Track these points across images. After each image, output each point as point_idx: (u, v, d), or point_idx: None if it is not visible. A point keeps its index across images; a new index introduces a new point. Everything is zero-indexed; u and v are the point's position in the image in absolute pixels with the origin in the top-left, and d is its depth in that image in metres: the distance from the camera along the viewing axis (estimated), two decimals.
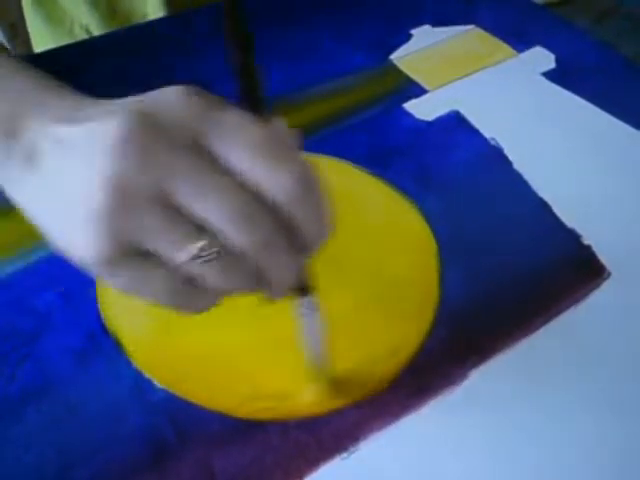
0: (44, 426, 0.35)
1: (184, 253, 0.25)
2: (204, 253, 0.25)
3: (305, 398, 0.36)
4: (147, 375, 0.37)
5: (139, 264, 0.26)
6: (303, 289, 0.31)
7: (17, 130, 0.28)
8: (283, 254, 0.27)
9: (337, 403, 0.36)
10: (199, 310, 0.28)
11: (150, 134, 0.25)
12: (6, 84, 0.30)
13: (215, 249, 0.26)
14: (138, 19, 0.66)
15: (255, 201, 0.25)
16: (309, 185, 0.26)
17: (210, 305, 0.28)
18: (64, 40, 0.66)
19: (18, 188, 0.28)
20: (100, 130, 0.25)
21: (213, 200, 0.25)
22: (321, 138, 0.51)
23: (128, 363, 0.37)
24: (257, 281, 0.28)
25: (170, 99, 0.26)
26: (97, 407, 0.36)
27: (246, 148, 0.25)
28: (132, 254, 0.26)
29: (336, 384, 0.36)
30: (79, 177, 0.25)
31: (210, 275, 0.26)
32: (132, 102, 0.26)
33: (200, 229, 0.25)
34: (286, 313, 0.39)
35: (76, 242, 0.25)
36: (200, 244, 0.25)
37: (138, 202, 0.24)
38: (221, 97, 0.27)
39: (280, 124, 0.27)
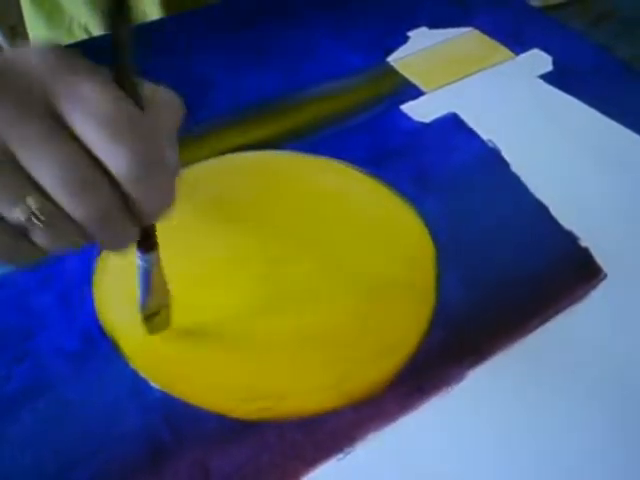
0: (40, 426, 0.35)
1: (16, 211, 0.25)
2: (37, 214, 0.26)
3: None
4: (144, 375, 0.37)
5: None
6: (143, 245, 0.32)
7: None
8: (117, 227, 0.27)
9: (334, 403, 0.36)
10: (22, 264, 0.28)
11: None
12: None
13: (47, 212, 0.26)
14: (137, 19, 0.66)
15: (94, 173, 0.25)
16: (149, 166, 0.26)
17: (34, 259, 0.28)
18: (63, 40, 0.66)
19: None
20: None
21: (49, 166, 0.25)
22: (318, 139, 0.51)
23: (125, 363, 0.37)
24: (88, 242, 0.28)
25: (26, 55, 0.26)
26: (94, 407, 0.36)
27: (93, 119, 0.25)
28: None
29: (332, 384, 0.36)
30: None
31: (40, 235, 0.26)
32: None
33: (38, 190, 0.25)
34: (282, 315, 0.39)
35: None
36: (34, 205, 0.25)
37: None
38: (89, 63, 0.26)
39: (161, 95, 0.28)
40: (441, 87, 0.55)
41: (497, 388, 0.37)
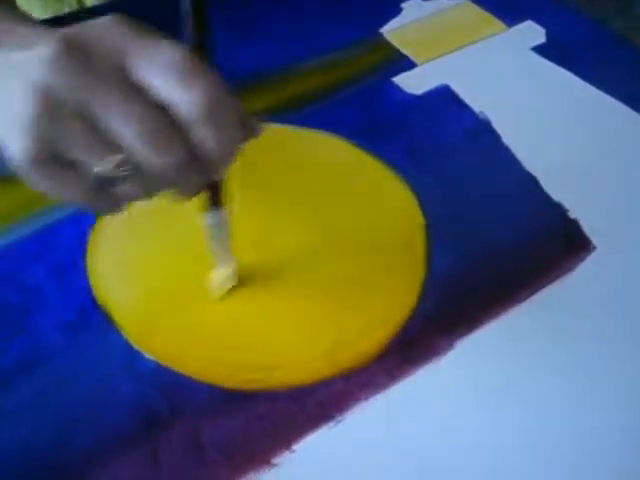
0: (36, 399, 0.36)
1: (101, 165, 0.28)
2: (120, 167, 0.28)
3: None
4: (137, 347, 0.37)
5: (60, 169, 0.28)
6: (213, 201, 0.34)
7: None
8: (193, 174, 0.29)
9: (325, 373, 0.36)
10: (111, 211, 0.31)
11: (77, 56, 0.27)
12: None
13: (130, 165, 0.28)
14: None
15: (168, 124, 0.28)
16: (219, 105, 0.28)
17: (119, 208, 0.31)
18: (56, 10, 0.65)
19: None
20: (36, 51, 0.28)
21: (129, 121, 0.27)
22: (311, 112, 0.51)
23: (119, 336, 0.38)
24: (168, 188, 0.31)
25: (99, 26, 0.29)
26: (88, 379, 0.36)
27: (161, 67, 0.27)
28: (55, 159, 0.28)
29: (323, 355, 0.37)
30: (15, 87, 0.28)
31: (124, 186, 0.29)
32: (63, 29, 0.29)
33: (119, 145, 0.28)
34: (273, 286, 0.40)
35: (10, 142, 0.28)
36: (116, 159, 0.28)
37: (61, 114, 0.27)
38: (149, 27, 0.29)
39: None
40: (434, 59, 0.55)
41: (485, 358, 0.37)
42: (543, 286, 0.40)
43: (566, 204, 0.44)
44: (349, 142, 0.48)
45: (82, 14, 0.61)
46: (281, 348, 0.37)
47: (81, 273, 0.40)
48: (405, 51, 0.56)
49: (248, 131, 0.31)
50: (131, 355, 0.37)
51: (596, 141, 0.49)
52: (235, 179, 0.45)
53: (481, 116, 0.51)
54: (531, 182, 0.46)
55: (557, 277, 0.41)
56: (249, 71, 0.54)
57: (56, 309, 0.39)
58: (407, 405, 0.35)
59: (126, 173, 0.28)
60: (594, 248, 0.42)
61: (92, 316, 0.39)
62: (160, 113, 0.28)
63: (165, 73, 0.27)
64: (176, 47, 0.28)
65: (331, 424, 0.35)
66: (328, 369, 0.36)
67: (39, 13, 0.66)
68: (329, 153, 0.48)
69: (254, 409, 0.35)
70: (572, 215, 0.44)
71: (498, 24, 0.59)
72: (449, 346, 0.37)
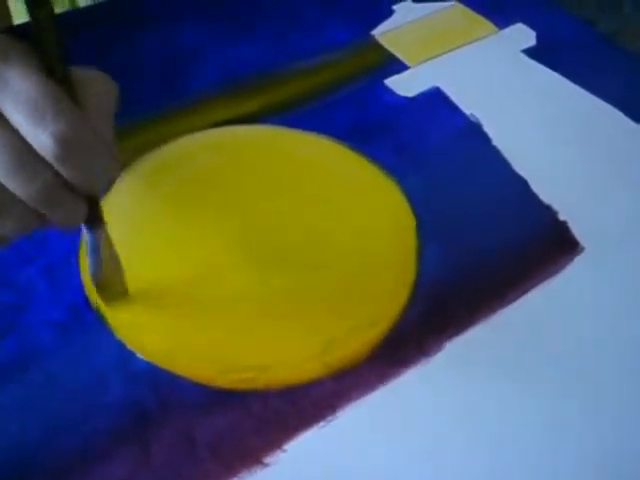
0: (27, 398, 0.36)
1: None
2: None
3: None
4: (129, 346, 0.37)
5: None
6: (89, 218, 0.33)
7: None
8: (62, 202, 0.28)
9: (316, 373, 0.36)
10: None
11: None
12: None
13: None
14: None
15: (29, 155, 0.27)
16: (72, 146, 0.27)
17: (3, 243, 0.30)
18: None
19: None
20: None
21: None
22: (303, 113, 0.51)
23: (110, 335, 0.38)
24: (41, 223, 0.30)
25: None
26: (80, 378, 0.36)
27: (18, 104, 0.26)
28: None
29: (314, 355, 0.37)
30: None
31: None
32: None
33: None
34: (265, 287, 0.40)
35: None
36: None
37: None
38: (22, 48, 0.27)
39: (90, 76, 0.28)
40: (425, 61, 0.56)
41: (475, 359, 0.38)
42: (532, 287, 0.41)
43: (555, 206, 0.45)
44: (341, 144, 0.48)
45: (71, 15, 0.61)
46: (272, 348, 0.37)
47: (73, 272, 0.40)
48: (396, 53, 0.56)
49: (117, 164, 0.30)
50: (123, 354, 0.37)
51: (585, 143, 0.50)
52: (226, 179, 0.46)
53: (472, 118, 0.51)
54: (521, 184, 0.46)
55: (546, 278, 0.41)
56: (241, 72, 0.54)
57: (48, 308, 0.39)
58: (397, 405, 0.36)
59: None
60: (583, 250, 0.43)
61: (84, 315, 0.39)
62: (20, 142, 0.27)
63: (22, 109, 0.26)
64: (32, 78, 0.26)
65: (322, 424, 0.35)
66: (319, 369, 0.37)
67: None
68: (320, 154, 0.48)
69: (246, 408, 0.35)
70: (561, 217, 0.44)
71: (489, 26, 0.59)
72: (439, 347, 0.38)
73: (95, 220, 0.34)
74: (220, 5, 0.60)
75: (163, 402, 0.36)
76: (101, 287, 0.38)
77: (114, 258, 0.37)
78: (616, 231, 0.44)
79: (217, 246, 0.41)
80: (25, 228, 0.29)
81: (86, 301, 0.39)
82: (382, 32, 0.58)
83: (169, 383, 0.36)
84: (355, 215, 0.44)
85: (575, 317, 0.40)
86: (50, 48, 0.27)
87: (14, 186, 0.27)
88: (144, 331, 0.38)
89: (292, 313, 0.39)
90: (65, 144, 0.27)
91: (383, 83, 0.54)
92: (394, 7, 0.61)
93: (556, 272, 0.41)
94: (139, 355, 0.37)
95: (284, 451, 0.34)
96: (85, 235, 0.35)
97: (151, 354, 0.37)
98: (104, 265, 0.36)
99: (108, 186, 0.30)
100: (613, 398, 0.36)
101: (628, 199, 0.46)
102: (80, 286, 0.40)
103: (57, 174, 0.28)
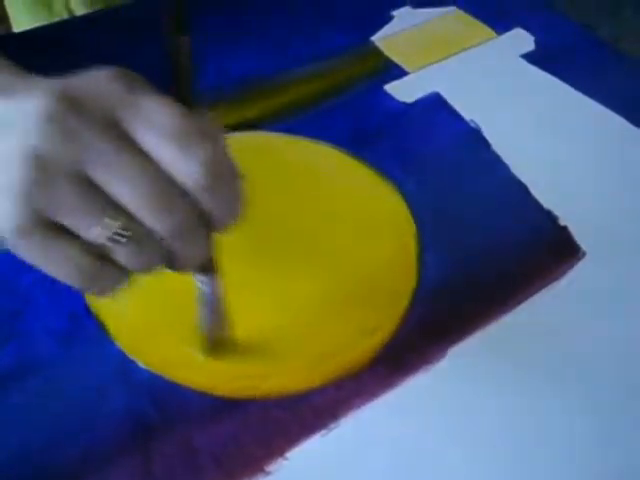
0: (27, 406, 0.36)
1: (97, 230, 0.26)
2: (118, 232, 0.26)
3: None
4: (130, 355, 0.37)
5: (52, 238, 0.27)
6: (205, 267, 0.33)
7: None
8: (195, 238, 0.28)
9: (317, 381, 0.36)
10: (104, 291, 0.29)
11: (71, 114, 0.26)
12: None
13: (129, 230, 0.27)
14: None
15: (170, 186, 0.26)
16: (218, 175, 0.27)
17: (115, 285, 0.29)
18: (44, 18, 0.65)
19: None
20: (26, 107, 0.26)
21: (128, 183, 0.26)
22: (302, 120, 0.51)
23: (111, 344, 0.38)
24: (166, 260, 0.29)
25: (95, 80, 0.27)
26: (80, 387, 0.36)
27: (160, 133, 0.26)
28: (47, 227, 0.26)
29: (315, 363, 0.37)
30: (3, 149, 0.26)
31: (122, 254, 0.27)
32: (59, 81, 0.27)
33: (117, 208, 0.26)
34: (265, 295, 0.40)
35: None
36: (114, 223, 0.26)
37: (56, 178, 0.25)
38: (146, 82, 0.27)
39: (204, 113, 0.28)
40: (424, 67, 0.56)
41: (477, 365, 0.37)
42: (534, 293, 0.41)
43: (556, 211, 0.45)
44: (340, 150, 0.48)
45: (69, 24, 0.61)
46: (273, 356, 0.37)
47: None
48: (396, 59, 0.56)
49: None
50: (124, 363, 0.37)
51: (585, 148, 0.50)
52: None
53: (471, 123, 0.51)
54: (521, 189, 0.46)
55: (547, 284, 0.41)
56: (240, 79, 0.54)
57: (48, 316, 0.39)
58: (399, 413, 0.36)
59: (123, 240, 0.27)
60: (584, 255, 0.42)
61: (85, 324, 0.39)
62: (161, 175, 0.26)
63: (163, 139, 0.26)
64: (172, 108, 0.26)
65: (324, 432, 0.35)
66: (320, 377, 0.36)
67: (29, 22, 0.66)
68: (320, 161, 0.48)
69: (247, 417, 0.35)
70: (562, 222, 0.44)
71: (488, 32, 0.59)
72: (441, 354, 0.38)
73: (212, 265, 0.33)
74: (220, 12, 0.60)
75: (164, 411, 0.35)
76: (211, 338, 0.37)
77: (224, 309, 0.36)
78: (617, 235, 0.44)
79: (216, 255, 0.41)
80: (152, 265, 0.28)
81: (86, 309, 0.39)
82: (381, 38, 0.58)
83: (170, 392, 0.36)
84: (355, 221, 0.44)
85: (577, 322, 0.39)
86: (187, 74, 0.28)
87: (152, 220, 0.27)
88: (144, 339, 0.38)
89: (292, 320, 0.39)
90: (213, 171, 0.26)
91: (383, 89, 0.54)
92: (393, 13, 0.61)
93: (558, 277, 0.41)
94: (140, 364, 0.37)
95: (286, 459, 0.34)
96: (199, 288, 0.34)
97: (152, 363, 0.37)
98: (218, 316, 0.35)
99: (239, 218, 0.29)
100: (613, 401, 0.36)
101: (629, 203, 0.46)
102: (80, 294, 0.40)
103: (195, 208, 0.27)
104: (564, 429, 0.35)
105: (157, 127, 0.26)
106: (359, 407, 0.36)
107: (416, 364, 0.37)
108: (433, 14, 0.61)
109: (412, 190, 0.46)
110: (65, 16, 0.66)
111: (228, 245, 0.37)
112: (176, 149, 0.26)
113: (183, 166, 0.26)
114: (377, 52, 0.57)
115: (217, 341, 0.37)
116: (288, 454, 0.34)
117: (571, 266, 0.42)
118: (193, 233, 0.28)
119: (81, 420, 0.35)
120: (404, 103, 0.53)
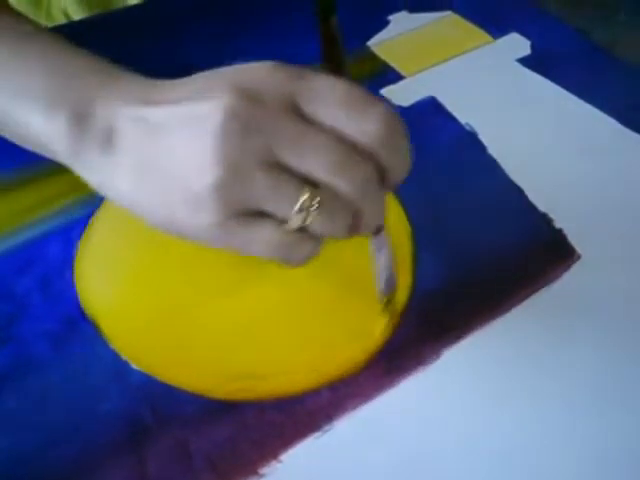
0: (22, 409, 0.36)
1: (296, 206, 0.28)
2: (313, 203, 0.28)
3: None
4: (125, 358, 0.37)
5: (252, 225, 0.29)
6: (380, 227, 0.34)
7: (88, 114, 0.30)
8: (378, 194, 0.30)
9: (312, 383, 0.36)
10: (302, 260, 0.31)
11: (251, 108, 0.28)
12: (62, 68, 0.33)
13: (321, 200, 0.29)
14: (118, 4, 0.66)
15: (350, 150, 0.28)
16: (393, 127, 0.29)
17: (311, 255, 0.31)
18: (41, 23, 0.65)
19: (98, 170, 0.30)
20: (202, 111, 0.28)
21: (320, 155, 0.28)
22: None
23: (106, 346, 0.38)
24: (353, 221, 0.30)
25: (261, 73, 0.29)
26: (75, 389, 0.36)
27: (334, 104, 0.28)
28: (246, 217, 0.29)
29: (310, 365, 0.37)
30: (186, 156, 0.28)
31: (317, 222, 0.29)
32: (227, 80, 0.29)
33: (305, 181, 0.28)
34: (260, 297, 0.40)
35: (187, 215, 0.29)
36: (307, 195, 0.28)
37: (249, 171, 0.27)
38: (302, 66, 0.30)
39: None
40: (420, 71, 0.56)
41: (472, 367, 0.38)
42: (529, 295, 0.41)
43: (551, 214, 0.45)
44: None
45: (66, 28, 0.61)
46: (268, 359, 0.37)
47: (69, 284, 0.40)
48: (392, 63, 0.57)
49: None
50: (119, 366, 0.37)
51: (580, 151, 0.50)
52: None
53: (467, 127, 0.51)
54: (517, 192, 0.46)
55: (543, 286, 0.41)
56: None
57: (44, 319, 0.39)
58: (394, 415, 0.36)
59: (316, 211, 0.29)
60: (579, 257, 0.43)
61: (80, 326, 0.39)
62: (346, 141, 0.28)
63: (338, 108, 0.28)
64: (340, 83, 0.29)
65: (318, 434, 0.35)
66: (315, 379, 0.36)
67: None
68: None
69: (241, 419, 0.35)
70: (557, 225, 0.44)
71: (484, 36, 0.60)
72: (435, 355, 0.38)
73: (384, 226, 0.34)
74: (218, 18, 0.60)
75: (158, 414, 0.35)
76: (391, 298, 0.38)
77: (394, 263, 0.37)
78: (613, 238, 0.44)
79: (212, 258, 0.41)
80: (343, 230, 0.30)
81: (81, 312, 0.39)
82: (378, 42, 0.59)
83: (165, 394, 0.36)
84: None
85: (573, 324, 0.39)
86: (339, 50, 0.31)
87: (344, 183, 0.28)
88: (139, 342, 0.38)
89: (287, 323, 0.39)
90: (390, 127, 0.28)
91: (379, 93, 0.54)
92: (389, 17, 0.61)
93: (553, 280, 0.41)
94: (134, 366, 0.37)
95: (280, 462, 0.34)
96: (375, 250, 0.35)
97: (146, 365, 0.37)
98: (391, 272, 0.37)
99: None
100: (620, 402, 0.36)
101: (625, 207, 0.46)
102: (75, 297, 0.40)
103: (376, 165, 0.29)
104: (562, 429, 0.35)
105: (334, 101, 0.28)
106: (354, 409, 0.36)
107: (411, 365, 0.37)
108: (429, 19, 0.61)
109: (408, 193, 0.45)
110: (62, 21, 0.66)
111: (222, 248, 0.38)
112: (356, 114, 0.28)
113: (364, 127, 0.28)
114: (373, 56, 0.57)
115: (393, 301, 0.38)
116: (282, 456, 0.34)
117: (566, 268, 0.42)
118: (376, 190, 0.30)
119: (76, 422, 0.35)
120: (400, 107, 0.53)
